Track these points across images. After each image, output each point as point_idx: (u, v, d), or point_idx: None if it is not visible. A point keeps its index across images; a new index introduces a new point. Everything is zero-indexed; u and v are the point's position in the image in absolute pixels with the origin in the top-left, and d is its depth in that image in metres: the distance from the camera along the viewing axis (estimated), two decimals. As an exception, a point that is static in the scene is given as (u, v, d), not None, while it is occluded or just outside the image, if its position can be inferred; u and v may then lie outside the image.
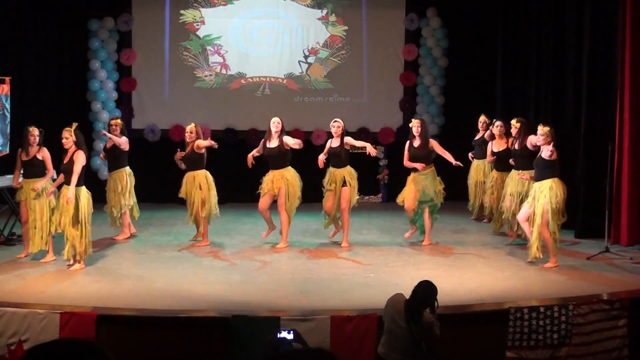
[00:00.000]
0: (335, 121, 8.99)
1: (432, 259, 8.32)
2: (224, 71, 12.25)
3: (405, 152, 8.95)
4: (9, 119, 9.74)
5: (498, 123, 9.51)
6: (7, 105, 9.71)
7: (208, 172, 8.86)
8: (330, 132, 9.05)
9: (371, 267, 7.93)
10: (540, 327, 6.17)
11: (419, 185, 8.81)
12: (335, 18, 12.34)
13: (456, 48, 12.27)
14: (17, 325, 5.96)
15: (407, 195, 8.87)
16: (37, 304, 6.35)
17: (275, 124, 8.79)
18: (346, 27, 12.36)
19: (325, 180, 8.93)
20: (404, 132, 9.32)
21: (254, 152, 8.92)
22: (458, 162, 8.87)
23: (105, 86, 11.93)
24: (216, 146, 8.69)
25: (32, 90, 11.32)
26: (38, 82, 11.47)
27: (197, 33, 12.17)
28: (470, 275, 7.59)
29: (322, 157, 8.94)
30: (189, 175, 8.81)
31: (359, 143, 9.07)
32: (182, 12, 12.12)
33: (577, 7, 9.61)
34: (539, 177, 7.86)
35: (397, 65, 12.43)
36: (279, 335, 4.89)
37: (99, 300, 6.58)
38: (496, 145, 9.49)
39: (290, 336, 5.10)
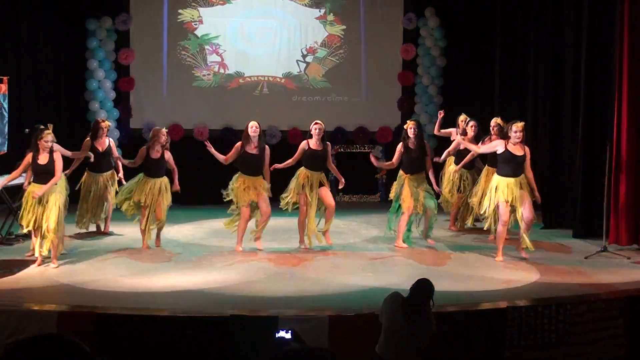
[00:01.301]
0: (316, 123, 8.61)
1: (430, 259, 8.32)
2: (222, 70, 12.25)
3: (397, 154, 8.71)
4: (6, 119, 9.74)
5: (472, 123, 9.51)
6: (5, 105, 9.71)
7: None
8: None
9: (369, 266, 7.93)
10: (538, 327, 6.18)
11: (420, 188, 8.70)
12: (333, 17, 12.34)
13: (454, 48, 12.27)
14: (14, 324, 5.94)
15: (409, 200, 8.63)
16: (35, 303, 6.35)
17: (253, 128, 8.38)
18: (344, 27, 12.36)
19: (298, 184, 8.52)
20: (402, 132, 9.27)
21: (228, 158, 8.46)
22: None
23: (104, 85, 11.92)
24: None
25: (30, 89, 11.29)
26: (36, 81, 11.44)
27: (195, 32, 12.16)
28: (468, 275, 7.59)
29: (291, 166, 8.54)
30: (153, 182, 8.59)
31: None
32: (180, 11, 12.12)
33: (575, 7, 9.62)
34: (519, 173, 8.03)
35: (395, 65, 12.44)
36: (277, 335, 4.90)
37: (97, 299, 6.58)
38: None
39: (288, 336, 5.11)
